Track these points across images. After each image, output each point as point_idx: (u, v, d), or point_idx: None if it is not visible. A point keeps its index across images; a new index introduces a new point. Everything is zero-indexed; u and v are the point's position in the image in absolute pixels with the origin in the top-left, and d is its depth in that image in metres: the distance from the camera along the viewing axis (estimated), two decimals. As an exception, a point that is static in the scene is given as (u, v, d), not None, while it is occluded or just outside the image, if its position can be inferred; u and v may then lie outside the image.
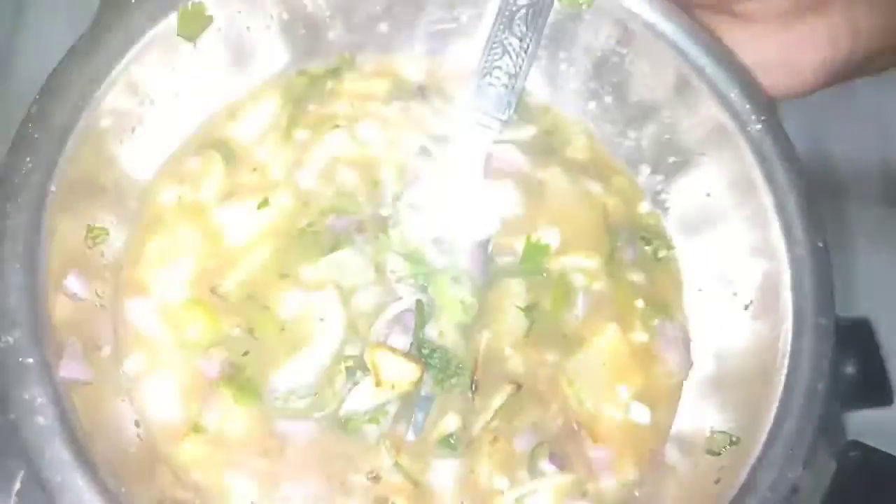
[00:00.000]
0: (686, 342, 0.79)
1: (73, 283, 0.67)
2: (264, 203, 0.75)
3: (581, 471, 0.73)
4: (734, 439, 0.72)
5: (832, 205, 1.13)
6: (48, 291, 0.63)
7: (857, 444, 0.80)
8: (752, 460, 0.67)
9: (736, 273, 0.78)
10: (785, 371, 0.69)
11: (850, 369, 0.98)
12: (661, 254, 0.82)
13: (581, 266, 0.78)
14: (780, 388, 0.68)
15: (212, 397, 0.69)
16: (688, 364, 0.78)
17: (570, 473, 0.72)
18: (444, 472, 0.70)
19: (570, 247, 0.79)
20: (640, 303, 0.79)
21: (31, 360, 0.59)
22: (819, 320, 0.70)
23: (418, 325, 0.72)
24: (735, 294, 0.78)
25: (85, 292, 0.68)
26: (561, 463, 0.72)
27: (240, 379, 0.70)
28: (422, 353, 0.72)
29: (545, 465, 0.72)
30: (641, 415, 0.75)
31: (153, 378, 0.70)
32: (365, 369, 0.70)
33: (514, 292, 0.76)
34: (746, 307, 0.77)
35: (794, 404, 0.68)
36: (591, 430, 0.74)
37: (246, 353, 0.71)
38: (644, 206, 0.84)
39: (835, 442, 0.83)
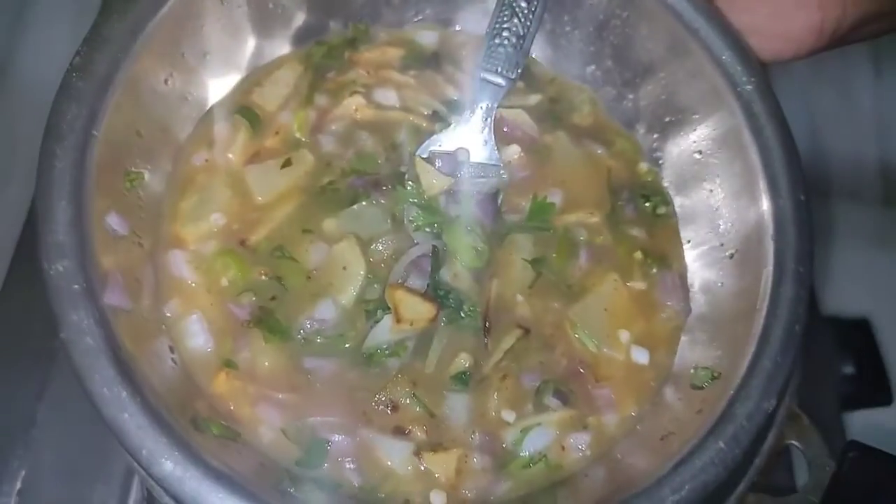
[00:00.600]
0: (685, 290, 0.83)
1: (113, 220, 0.72)
2: (287, 163, 0.80)
3: (584, 407, 0.76)
4: (716, 374, 0.75)
5: (832, 205, 1.16)
6: (92, 227, 0.68)
7: (856, 444, 0.82)
8: (731, 392, 0.70)
9: (722, 225, 0.82)
10: (765, 313, 0.72)
11: (849, 369, 1.00)
12: (661, 210, 0.86)
13: (584, 222, 0.83)
14: (760, 328, 0.72)
15: (243, 337, 0.74)
16: (686, 310, 0.82)
17: (574, 409, 0.76)
18: (457, 405, 0.74)
19: (574, 205, 0.83)
20: (639, 254, 0.82)
21: (77, 287, 0.64)
22: (798, 268, 0.74)
23: (434, 268, 0.77)
24: (721, 245, 0.82)
25: (124, 230, 0.73)
26: (565, 399, 0.76)
27: (269, 321, 0.74)
28: (437, 293, 0.76)
29: (550, 400, 0.75)
30: (641, 357, 0.79)
31: (189, 320, 0.74)
32: (385, 308, 0.74)
33: (522, 246, 0.80)
34: (732, 256, 0.81)
35: (772, 343, 0.71)
36: (594, 370, 0.78)
37: (274, 298, 0.76)
38: (643, 166, 0.88)
39: (834, 442, 0.84)
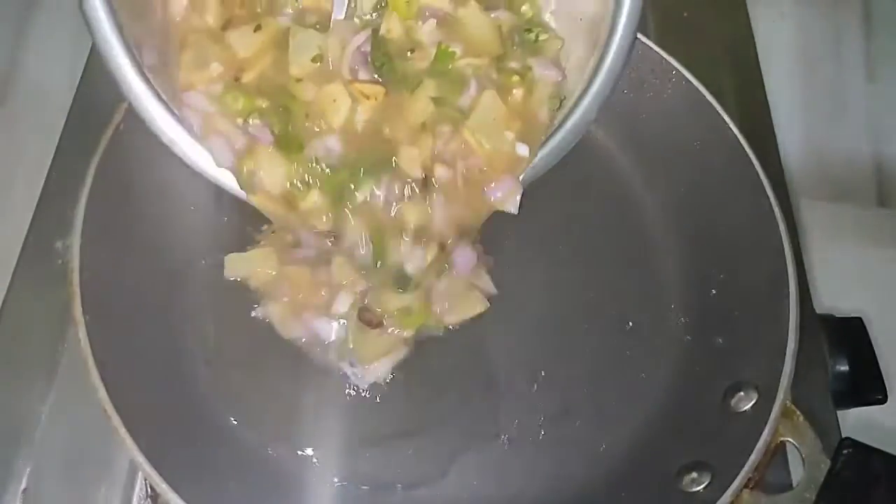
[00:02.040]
0: (559, 66, 0.92)
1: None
2: (258, 28, 0.88)
3: None
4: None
5: (827, 205, 1.17)
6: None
7: (851, 442, 0.83)
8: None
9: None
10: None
11: (843, 367, 1.00)
12: (542, 37, 0.92)
13: (473, 64, 0.89)
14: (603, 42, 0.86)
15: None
16: (561, 76, 0.92)
17: None
18: None
19: (470, 53, 0.89)
20: (515, 78, 0.90)
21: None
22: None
23: (375, 47, 0.87)
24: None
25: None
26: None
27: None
28: (381, 70, 0.87)
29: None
30: (523, 150, 0.88)
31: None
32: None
33: (427, 88, 0.88)
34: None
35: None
36: (489, 163, 0.88)
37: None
38: (524, 7, 0.94)
39: (829, 440, 0.85)
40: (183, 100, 0.84)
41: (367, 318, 0.91)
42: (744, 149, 0.97)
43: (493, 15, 0.92)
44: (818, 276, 1.09)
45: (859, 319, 1.01)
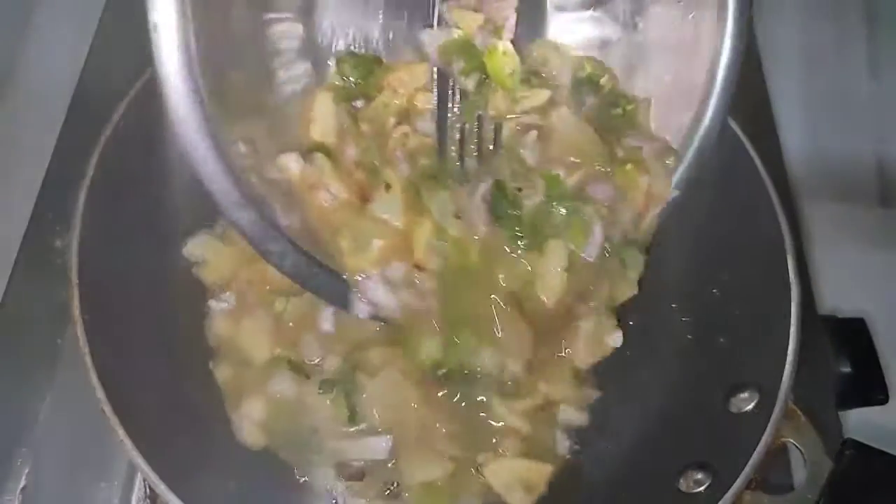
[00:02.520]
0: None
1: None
2: (388, 187, 0.83)
3: None
4: None
5: (829, 206, 1.17)
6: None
7: (853, 443, 0.84)
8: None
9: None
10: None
11: (846, 368, 1.00)
12: (629, 107, 0.90)
13: (584, 174, 0.86)
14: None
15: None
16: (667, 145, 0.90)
17: None
18: None
19: (576, 164, 0.86)
20: (629, 167, 0.87)
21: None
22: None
23: (496, 200, 0.84)
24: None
25: None
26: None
27: None
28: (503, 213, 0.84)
29: None
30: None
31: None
32: None
33: (556, 254, 0.83)
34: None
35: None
36: None
37: None
38: (604, 80, 0.91)
39: (831, 440, 0.85)
40: (360, 290, 0.80)
41: (350, 474, 0.86)
42: (746, 149, 0.96)
43: (583, 109, 0.90)
44: (821, 276, 1.09)
45: (862, 320, 1.01)
